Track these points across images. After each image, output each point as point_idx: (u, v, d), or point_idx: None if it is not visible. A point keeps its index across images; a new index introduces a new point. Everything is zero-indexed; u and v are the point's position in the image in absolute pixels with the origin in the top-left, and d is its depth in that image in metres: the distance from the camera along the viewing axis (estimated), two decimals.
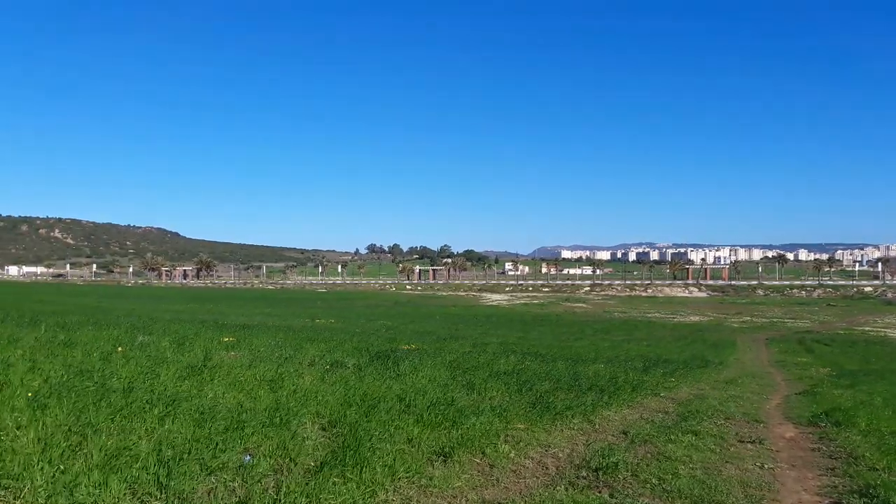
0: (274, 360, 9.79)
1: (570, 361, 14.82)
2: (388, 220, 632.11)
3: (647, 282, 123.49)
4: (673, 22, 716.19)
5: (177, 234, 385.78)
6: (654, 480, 5.62)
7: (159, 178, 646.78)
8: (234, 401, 6.39)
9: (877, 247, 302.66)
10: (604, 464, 5.89)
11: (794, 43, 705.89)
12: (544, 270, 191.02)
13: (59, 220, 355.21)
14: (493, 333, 29.68)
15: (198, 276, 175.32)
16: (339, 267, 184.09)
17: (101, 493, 3.81)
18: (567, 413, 7.77)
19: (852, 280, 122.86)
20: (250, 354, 10.37)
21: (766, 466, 6.50)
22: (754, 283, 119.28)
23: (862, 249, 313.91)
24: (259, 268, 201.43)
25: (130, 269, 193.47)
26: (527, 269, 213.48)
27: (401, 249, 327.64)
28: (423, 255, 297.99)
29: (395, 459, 5.16)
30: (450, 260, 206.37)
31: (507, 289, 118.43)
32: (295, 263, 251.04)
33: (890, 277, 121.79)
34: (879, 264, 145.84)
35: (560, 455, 6.30)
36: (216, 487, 4.25)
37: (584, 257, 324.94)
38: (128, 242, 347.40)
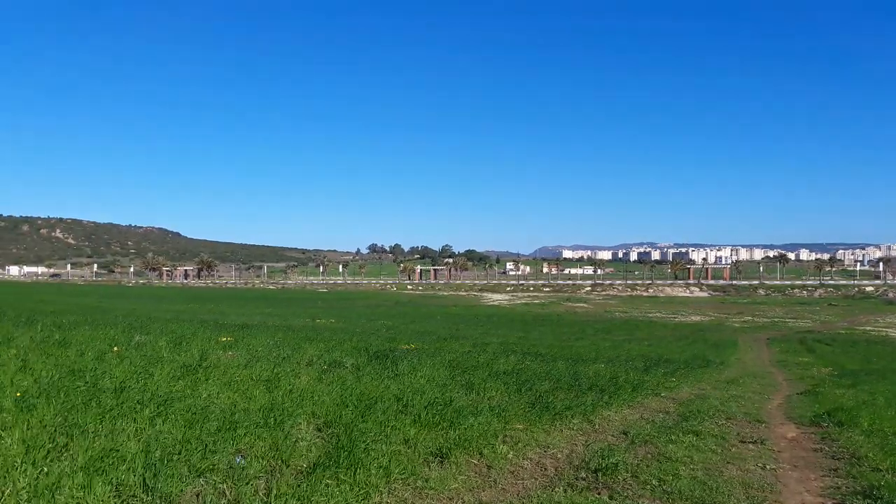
0: (271, 359, 9.69)
1: (571, 361, 14.73)
2: (390, 220, 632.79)
3: (648, 282, 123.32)
4: (673, 22, 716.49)
5: (178, 234, 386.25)
6: (654, 481, 5.53)
7: (160, 179, 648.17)
8: (227, 401, 6.28)
9: (878, 246, 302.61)
10: (603, 465, 5.79)
11: (794, 43, 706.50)
12: (545, 270, 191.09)
13: (61, 220, 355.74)
14: (494, 333, 29.59)
15: (199, 276, 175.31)
16: (341, 267, 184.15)
17: (85, 495, 3.71)
18: (566, 413, 7.67)
19: (853, 280, 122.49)
20: (247, 354, 10.26)
21: (768, 467, 6.41)
22: (755, 282, 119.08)
23: (863, 249, 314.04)
24: (260, 268, 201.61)
25: (131, 269, 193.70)
26: (528, 268, 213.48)
27: (402, 249, 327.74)
28: (425, 254, 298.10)
29: (390, 460, 5.06)
30: (451, 260, 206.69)
31: (508, 289, 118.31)
32: (296, 263, 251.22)
33: (891, 277, 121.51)
34: (881, 264, 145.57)
35: (559, 456, 6.21)
36: (204, 490, 4.15)
37: (585, 257, 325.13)
38: (129, 242, 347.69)
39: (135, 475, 4.04)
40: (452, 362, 11.44)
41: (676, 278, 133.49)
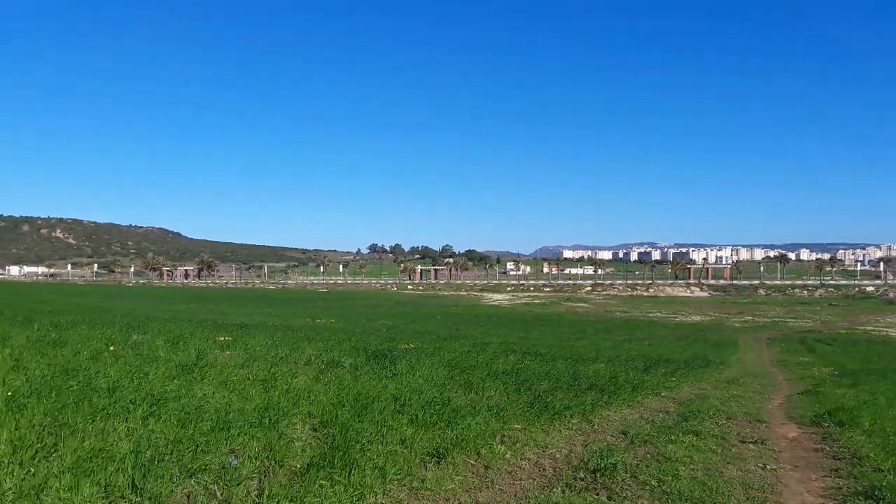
0: (269, 359, 9.62)
1: (571, 361, 14.65)
2: (390, 220, 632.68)
3: (648, 281, 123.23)
4: (673, 22, 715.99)
5: (178, 234, 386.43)
6: (653, 482, 5.46)
7: (160, 179, 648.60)
8: (222, 401, 6.21)
9: (878, 246, 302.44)
10: (602, 465, 5.72)
11: (794, 43, 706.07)
12: (546, 270, 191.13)
13: (61, 220, 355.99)
14: (494, 333, 29.51)
15: (199, 276, 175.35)
16: (341, 267, 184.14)
17: (72, 496, 3.64)
18: (566, 413, 7.60)
19: (854, 280, 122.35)
20: (245, 354, 10.20)
21: (768, 467, 6.35)
22: (756, 282, 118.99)
23: (864, 249, 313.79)
24: (260, 268, 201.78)
25: (132, 269, 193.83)
26: (528, 268, 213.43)
27: (402, 249, 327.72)
28: (425, 254, 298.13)
29: (386, 461, 4.99)
30: (451, 260, 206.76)
31: (509, 289, 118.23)
32: (296, 263, 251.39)
33: (892, 277, 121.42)
34: (881, 264, 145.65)
35: (557, 456, 6.14)
36: (195, 490, 4.08)
37: (585, 257, 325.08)
38: (129, 242, 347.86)
39: (124, 475, 3.97)
40: (451, 362, 11.37)
41: (677, 278, 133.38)
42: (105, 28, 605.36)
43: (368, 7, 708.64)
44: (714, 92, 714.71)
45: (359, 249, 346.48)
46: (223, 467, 4.41)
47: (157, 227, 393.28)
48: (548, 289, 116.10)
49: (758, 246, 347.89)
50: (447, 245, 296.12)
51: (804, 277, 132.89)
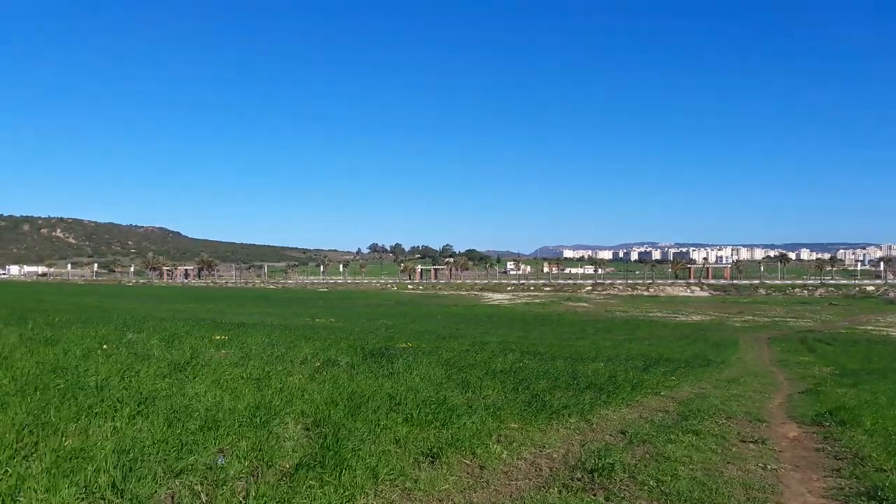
0: (264, 358, 9.52)
1: (570, 360, 14.55)
2: (390, 220, 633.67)
3: (648, 281, 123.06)
4: (673, 22, 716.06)
5: (178, 234, 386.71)
6: (652, 482, 5.35)
7: (161, 178, 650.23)
8: (213, 399, 6.09)
9: (879, 246, 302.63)
10: (600, 465, 5.61)
11: (794, 43, 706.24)
12: (546, 270, 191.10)
13: (61, 219, 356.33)
14: (494, 332, 29.43)
15: (199, 276, 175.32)
16: (341, 266, 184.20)
17: (50, 497, 3.52)
18: (563, 412, 7.50)
19: (854, 279, 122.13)
20: (241, 352, 10.10)
21: (769, 467, 6.24)
22: (756, 282, 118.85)
23: (864, 249, 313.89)
24: (261, 267, 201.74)
25: (132, 269, 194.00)
26: (529, 268, 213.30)
27: (403, 249, 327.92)
28: (425, 254, 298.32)
29: (378, 461, 4.88)
30: (452, 259, 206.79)
31: (509, 288, 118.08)
32: (297, 263, 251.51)
33: (892, 277, 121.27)
34: (881, 264, 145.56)
35: (555, 456, 6.04)
36: (179, 491, 3.96)
37: (585, 257, 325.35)
38: (129, 242, 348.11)
39: (105, 476, 3.86)
40: (449, 361, 11.28)
41: (677, 278, 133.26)
42: (105, 28, 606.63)
43: (368, 7, 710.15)
44: (714, 92, 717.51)
45: (359, 249, 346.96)
46: (210, 467, 4.29)
47: (157, 226, 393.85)
48: (548, 288, 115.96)
49: (758, 246, 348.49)
50: (447, 245, 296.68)
51: (804, 277, 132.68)
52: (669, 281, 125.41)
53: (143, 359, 8.10)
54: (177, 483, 4.03)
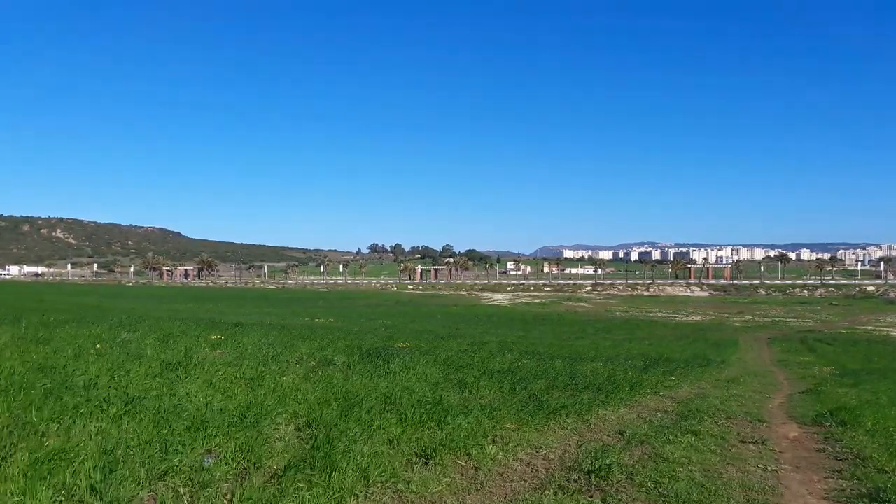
0: (259, 357, 9.43)
1: (569, 360, 14.46)
2: (390, 220, 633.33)
3: (649, 281, 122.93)
4: (673, 22, 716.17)
5: (178, 234, 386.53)
6: (650, 484, 5.25)
7: (161, 179, 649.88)
8: (204, 399, 5.99)
9: (879, 246, 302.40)
10: (597, 466, 5.51)
11: (794, 42, 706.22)
12: (546, 270, 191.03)
13: (61, 219, 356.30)
14: (493, 332, 29.32)
15: (199, 276, 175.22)
16: (341, 266, 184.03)
17: (26, 500, 3.42)
18: (561, 412, 7.39)
19: (854, 279, 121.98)
20: (236, 352, 10.01)
21: (769, 468, 6.14)
22: (756, 282, 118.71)
23: (864, 249, 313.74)
24: (260, 267, 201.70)
25: (132, 269, 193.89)
26: (529, 268, 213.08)
27: (403, 249, 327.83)
28: (425, 254, 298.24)
29: (370, 462, 4.77)
30: (452, 259, 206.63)
31: (509, 288, 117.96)
32: (297, 263, 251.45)
33: (892, 277, 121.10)
34: (882, 264, 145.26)
35: (551, 457, 5.94)
36: (162, 494, 3.85)
37: (586, 257, 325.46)
38: (129, 242, 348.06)
39: (87, 478, 3.75)
40: (447, 360, 11.19)
41: (677, 278, 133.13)
42: (105, 28, 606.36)
43: (368, 7, 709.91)
44: (714, 92, 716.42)
45: (359, 249, 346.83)
46: (196, 469, 4.18)
47: (157, 226, 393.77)
48: (548, 288, 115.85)
49: (758, 246, 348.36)
50: (447, 245, 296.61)
51: (804, 277, 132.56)
52: (669, 281, 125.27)
53: (135, 358, 8.00)
54: (160, 485, 3.93)
